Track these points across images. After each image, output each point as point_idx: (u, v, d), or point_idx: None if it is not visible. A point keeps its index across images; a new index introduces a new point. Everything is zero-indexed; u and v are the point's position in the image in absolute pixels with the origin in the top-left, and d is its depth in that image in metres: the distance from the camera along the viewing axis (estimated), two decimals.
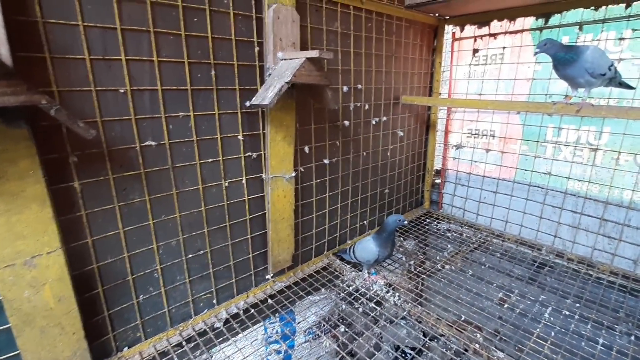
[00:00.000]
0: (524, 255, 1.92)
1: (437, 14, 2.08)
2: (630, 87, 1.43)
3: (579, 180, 1.83)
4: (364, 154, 1.88)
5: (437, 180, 2.46)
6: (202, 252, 1.32)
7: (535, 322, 1.40)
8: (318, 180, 1.66)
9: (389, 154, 2.06)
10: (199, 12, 1.12)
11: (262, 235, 1.49)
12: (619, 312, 1.46)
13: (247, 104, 1.29)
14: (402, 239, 2.09)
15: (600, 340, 1.29)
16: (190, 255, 1.28)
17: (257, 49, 1.29)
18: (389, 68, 1.89)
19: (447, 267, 1.79)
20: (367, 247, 1.56)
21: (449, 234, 2.18)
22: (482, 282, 1.67)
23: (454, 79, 2.24)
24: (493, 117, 2.11)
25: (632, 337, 1.36)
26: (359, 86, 1.73)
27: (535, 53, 1.39)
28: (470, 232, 2.19)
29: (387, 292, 1.54)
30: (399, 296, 1.52)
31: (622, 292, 1.58)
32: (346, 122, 1.70)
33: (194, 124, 1.19)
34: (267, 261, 1.53)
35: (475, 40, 2.09)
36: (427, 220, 2.35)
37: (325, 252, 1.81)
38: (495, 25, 1.97)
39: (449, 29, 2.17)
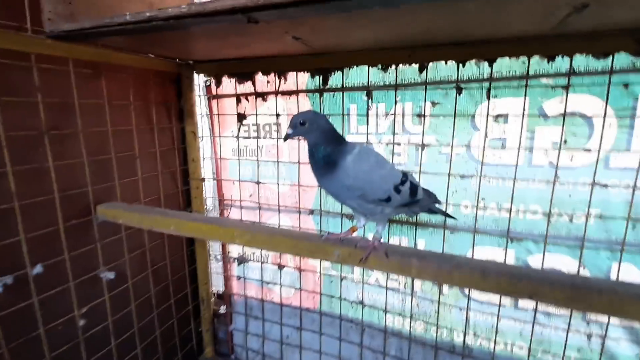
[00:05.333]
0: None
1: (176, 59, 1.24)
2: (450, 217, 0.89)
3: (400, 314, 1.22)
4: None
5: (222, 310, 1.55)
6: None
7: None
8: None
9: (83, 325, 1.01)
10: None
11: None
12: None
13: None
14: None
15: None
16: None
17: None
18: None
19: None
20: None
21: None
22: None
23: (220, 157, 1.42)
24: (280, 217, 1.36)
25: None
26: None
27: (285, 138, 0.66)
28: None
29: None
30: None
31: None
32: None
33: None
34: None
35: (239, 101, 1.32)
36: None
37: None
38: (262, 81, 1.26)
39: (199, 80, 1.36)
